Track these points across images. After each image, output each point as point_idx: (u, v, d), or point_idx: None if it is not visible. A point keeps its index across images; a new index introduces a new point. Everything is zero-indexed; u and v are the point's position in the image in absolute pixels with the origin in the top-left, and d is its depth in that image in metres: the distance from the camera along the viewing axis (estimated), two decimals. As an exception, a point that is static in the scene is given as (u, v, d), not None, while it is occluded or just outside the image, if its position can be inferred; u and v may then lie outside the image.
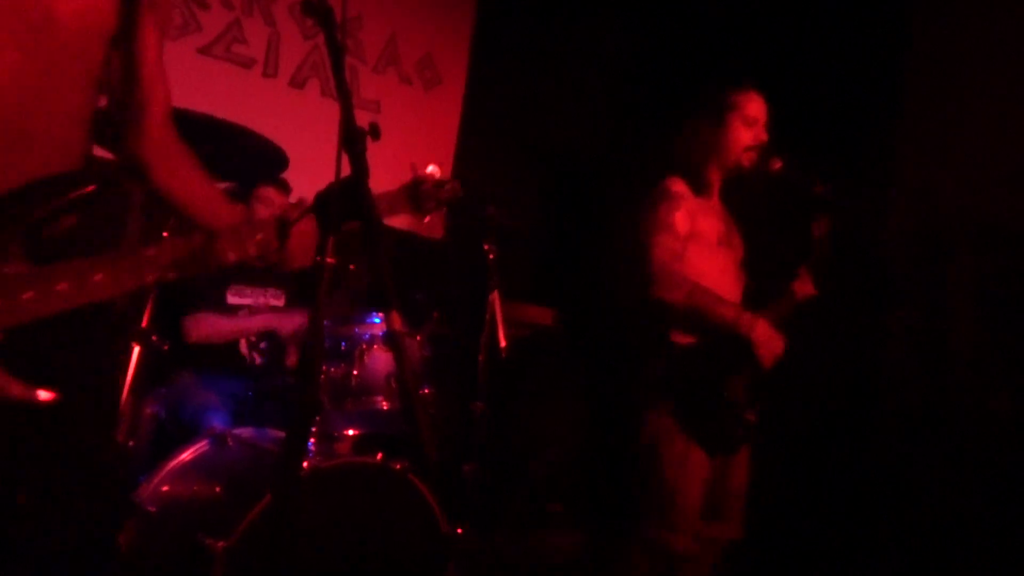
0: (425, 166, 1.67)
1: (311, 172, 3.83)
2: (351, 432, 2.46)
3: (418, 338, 2.51)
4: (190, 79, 3.32)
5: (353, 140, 1.16)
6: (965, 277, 2.88)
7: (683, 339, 2.29)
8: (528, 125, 4.46)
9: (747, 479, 2.36)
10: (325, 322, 2.35)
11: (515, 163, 4.44)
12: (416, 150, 4.19)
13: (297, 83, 3.72)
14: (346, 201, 1.13)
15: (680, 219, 2.30)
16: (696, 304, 2.21)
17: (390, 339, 1.10)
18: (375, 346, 2.32)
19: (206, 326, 2.89)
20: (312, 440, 2.12)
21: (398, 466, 2.04)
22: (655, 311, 2.24)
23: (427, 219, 1.67)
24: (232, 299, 3.04)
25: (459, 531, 2.83)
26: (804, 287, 2.38)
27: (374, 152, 3.83)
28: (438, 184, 1.66)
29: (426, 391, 2.44)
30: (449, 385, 3.06)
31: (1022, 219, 2.84)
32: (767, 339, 2.22)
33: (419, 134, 4.14)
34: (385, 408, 2.33)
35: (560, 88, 4.48)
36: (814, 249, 2.41)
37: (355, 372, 2.22)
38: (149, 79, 1.39)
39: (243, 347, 3.06)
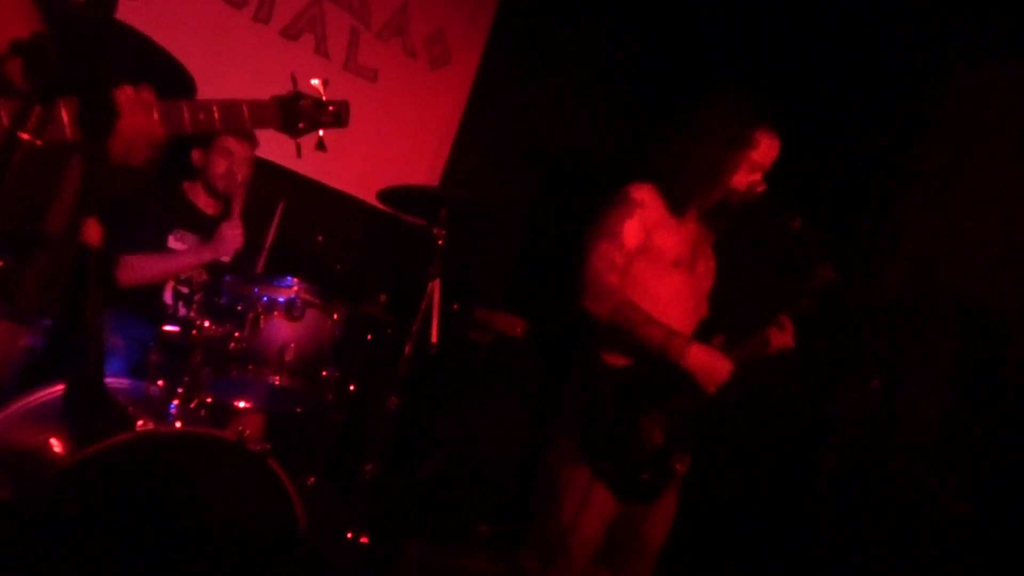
0: (309, 80, 1.47)
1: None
2: (243, 404, 2.23)
3: (335, 316, 2.26)
4: (172, 7, 3.14)
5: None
6: (943, 359, 2.57)
7: (614, 360, 2.04)
8: (536, 124, 4.21)
9: (666, 534, 2.08)
10: (226, 277, 2.14)
11: (515, 161, 4.19)
12: (411, 129, 3.99)
13: (290, 35, 3.51)
14: (73, 57, 0.87)
15: (630, 229, 2.05)
16: (621, 320, 1.96)
17: (81, 256, 0.86)
18: (275, 313, 2.08)
19: (138, 269, 2.68)
20: (175, 403, 1.88)
21: (256, 448, 1.79)
22: (582, 324, 1.99)
23: (300, 141, 1.45)
24: (173, 244, 2.86)
25: (363, 540, 2.59)
26: (782, 337, 2.09)
27: (363, 124, 3.56)
28: (319, 104, 1.45)
29: (324, 373, 2.18)
30: (374, 375, 2.81)
31: (1013, 306, 2.54)
32: (703, 363, 1.93)
33: (416, 112, 3.92)
34: (276, 383, 2.09)
35: (576, 91, 4.24)
36: (804, 296, 2.12)
37: (237, 334, 1.97)
38: None
39: (168, 295, 2.85)
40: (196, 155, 2.95)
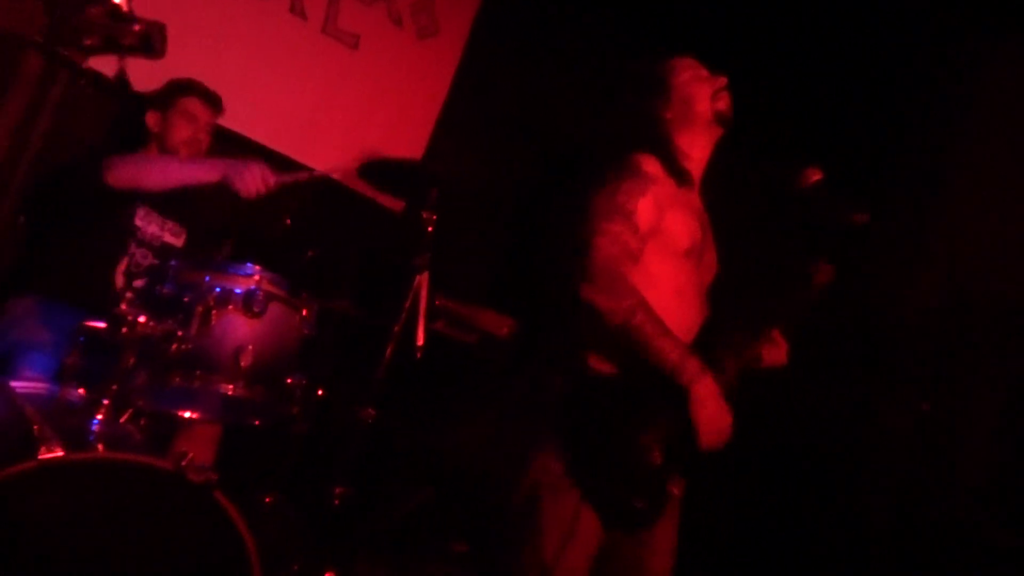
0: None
1: (253, 88, 3.22)
2: (189, 414, 1.85)
3: (303, 312, 1.88)
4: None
5: None
6: (987, 371, 2.29)
7: (606, 365, 1.71)
8: (528, 104, 3.86)
9: (672, 564, 1.77)
10: (172, 262, 1.75)
11: (503, 144, 3.83)
12: (393, 103, 3.60)
13: (264, -10, 3.10)
14: None
15: (644, 208, 1.71)
16: (635, 327, 1.62)
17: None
18: (230, 307, 1.69)
19: (131, 167, 2.27)
20: (99, 417, 1.49)
21: (200, 478, 1.41)
22: (579, 317, 1.66)
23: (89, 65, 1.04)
24: (139, 222, 2.47)
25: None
26: (774, 354, 1.83)
27: (341, 94, 3.11)
28: (116, 15, 1.05)
29: (289, 381, 1.81)
30: (347, 382, 2.44)
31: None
32: (710, 403, 1.63)
33: (399, 85, 3.53)
34: (229, 393, 1.71)
35: (573, 67, 3.90)
36: (803, 302, 1.83)
37: (180, 333, 1.58)
38: None
39: (119, 275, 2.46)
40: (152, 119, 2.57)
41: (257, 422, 1.85)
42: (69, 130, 2.81)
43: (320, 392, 2.56)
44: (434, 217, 2.17)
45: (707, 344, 1.77)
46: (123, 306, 1.48)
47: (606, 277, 1.64)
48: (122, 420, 1.69)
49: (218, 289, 1.66)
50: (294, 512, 2.40)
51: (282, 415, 1.82)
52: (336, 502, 2.03)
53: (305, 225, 3.18)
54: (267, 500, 2.42)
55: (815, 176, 1.81)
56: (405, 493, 2.23)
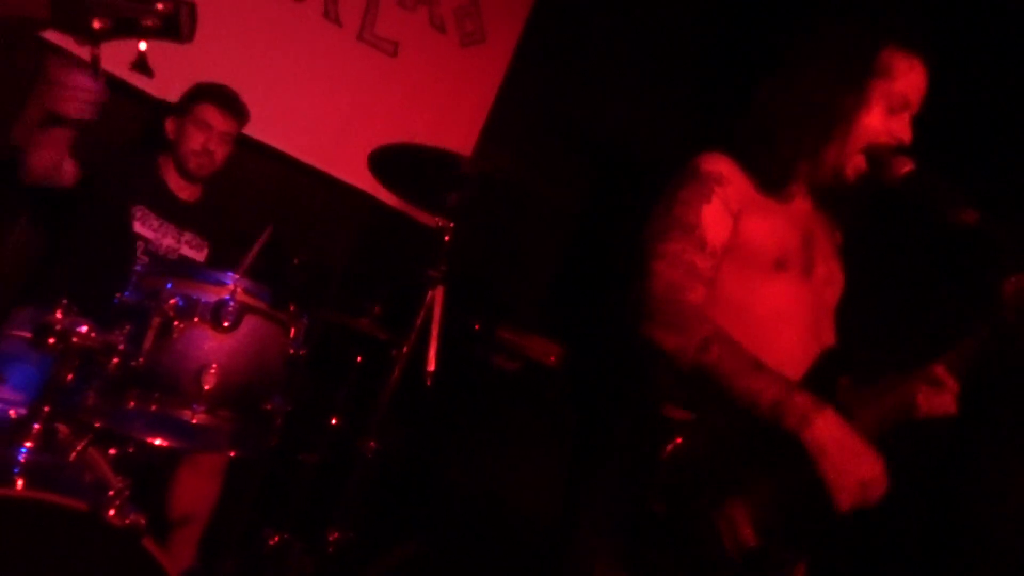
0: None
1: (283, 97, 3.06)
2: (159, 441, 1.61)
3: (291, 329, 1.63)
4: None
5: None
6: None
7: (682, 411, 1.34)
8: (582, 117, 3.60)
9: None
10: (137, 266, 1.54)
11: (556, 157, 3.57)
12: (434, 114, 3.39)
13: (294, -7, 2.96)
14: None
15: (710, 216, 1.39)
16: (712, 364, 1.28)
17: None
18: (195, 319, 1.46)
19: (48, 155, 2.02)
20: (27, 445, 1.27)
21: (124, 521, 1.16)
22: (644, 358, 1.34)
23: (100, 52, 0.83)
24: (138, 226, 2.33)
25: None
26: (937, 400, 1.37)
27: (378, 104, 2.88)
28: None
29: (269, 407, 1.55)
30: (357, 410, 2.19)
31: None
32: (837, 446, 1.23)
33: (441, 96, 3.34)
34: (192, 421, 1.47)
35: (632, 78, 3.62)
36: (987, 330, 1.37)
37: (122, 347, 1.35)
38: None
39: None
40: (169, 125, 2.46)
41: (232, 452, 1.61)
42: (96, 137, 2.73)
43: (334, 421, 2.33)
44: (451, 224, 1.91)
45: (830, 377, 1.40)
46: (58, 313, 1.27)
47: (668, 309, 1.32)
48: (79, 447, 1.48)
49: (179, 298, 1.43)
50: (299, 556, 2.15)
51: (259, 445, 1.57)
52: (330, 549, 1.75)
53: (334, 237, 2.99)
54: (271, 541, 2.19)
55: (905, 166, 1.44)
56: (394, 544, 1.94)
